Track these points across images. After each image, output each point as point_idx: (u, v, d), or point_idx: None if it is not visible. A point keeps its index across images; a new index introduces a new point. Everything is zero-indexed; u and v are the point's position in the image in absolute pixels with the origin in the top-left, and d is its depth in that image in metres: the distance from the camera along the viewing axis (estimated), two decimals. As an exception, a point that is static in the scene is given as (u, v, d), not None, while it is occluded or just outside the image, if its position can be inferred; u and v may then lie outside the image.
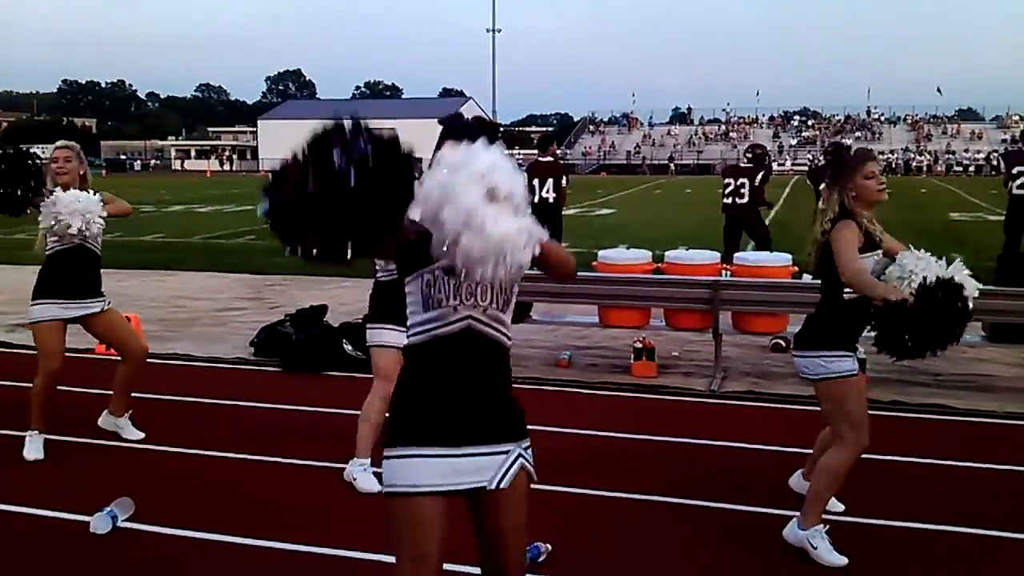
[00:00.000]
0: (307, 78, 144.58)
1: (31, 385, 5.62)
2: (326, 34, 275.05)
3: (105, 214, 5.56)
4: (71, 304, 5.61)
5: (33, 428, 5.60)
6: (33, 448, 5.56)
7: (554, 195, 10.33)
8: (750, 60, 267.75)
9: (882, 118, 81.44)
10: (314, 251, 2.29)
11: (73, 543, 4.39)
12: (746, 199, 11.47)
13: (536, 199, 9.90)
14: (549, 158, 10.62)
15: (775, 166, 14.58)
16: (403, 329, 4.88)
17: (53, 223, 5.42)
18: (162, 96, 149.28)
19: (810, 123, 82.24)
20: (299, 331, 8.15)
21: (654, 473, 5.37)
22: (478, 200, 2.34)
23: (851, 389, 4.22)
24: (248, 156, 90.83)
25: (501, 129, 2.45)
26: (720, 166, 68.56)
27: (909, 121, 79.93)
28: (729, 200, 11.63)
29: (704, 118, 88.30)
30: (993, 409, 6.68)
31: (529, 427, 2.82)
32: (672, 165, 69.28)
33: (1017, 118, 69.75)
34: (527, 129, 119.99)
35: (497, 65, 78.83)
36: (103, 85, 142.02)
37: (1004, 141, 60.76)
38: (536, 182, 11.05)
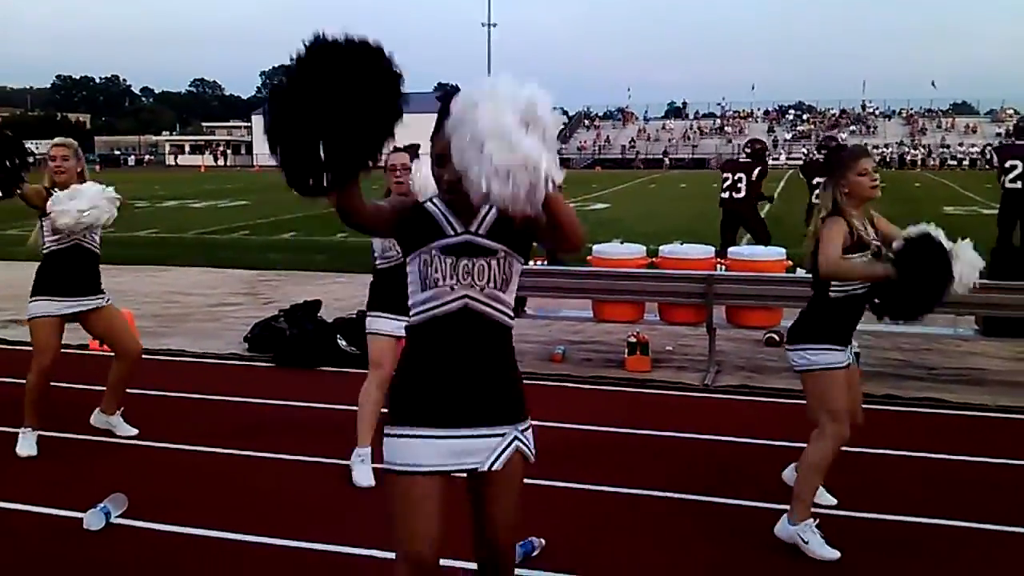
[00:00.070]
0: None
1: (24, 383, 5.62)
2: (321, 28, 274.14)
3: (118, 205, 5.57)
4: (69, 301, 5.60)
5: (26, 425, 5.59)
6: (26, 445, 5.55)
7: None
8: (745, 54, 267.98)
9: (877, 112, 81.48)
10: (310, 170, 2.44)
11: (66, 539, 4.39)
12: (743, 194, 11.48)
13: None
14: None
15: (769, 160, 14.58)
16: (398, 317, 4.99)
17: (85, 211, 5.37)
18: (156, 91, 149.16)
19: (805, 117, 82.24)
20: (293, 326, 8.15)
21: (648, 467, 5.38)
22: (511, 117, 2.34)
23: (834, 382, 4.27)
24: (243, 151, 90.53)
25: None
26: (715, 161, 68.71)
27: (904, 115, 79.98)
28: (726, 195, 11.65)
29: (699, 112, 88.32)
30: (986, 403, 6.70)
31: (523, 422, 2.82)
32: (666, 159, 69.28)
33: (1012, 112, 69.72)
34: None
35: (492, 60, 78.59)
36: (97, 80, 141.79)
37: (998, 135, 60.87)
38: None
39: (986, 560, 4.23)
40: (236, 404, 6.79)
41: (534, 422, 2.91)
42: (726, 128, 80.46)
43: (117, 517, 4.52)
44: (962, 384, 7.27)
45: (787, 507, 4.39)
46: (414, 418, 2.72)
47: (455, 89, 2.54)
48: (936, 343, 8.47)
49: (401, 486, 2.73)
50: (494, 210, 2.70)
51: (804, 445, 4.77)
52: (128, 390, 6.03)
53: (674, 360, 8.07)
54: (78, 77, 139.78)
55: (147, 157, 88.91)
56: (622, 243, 8.67)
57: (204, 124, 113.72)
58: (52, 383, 5.71)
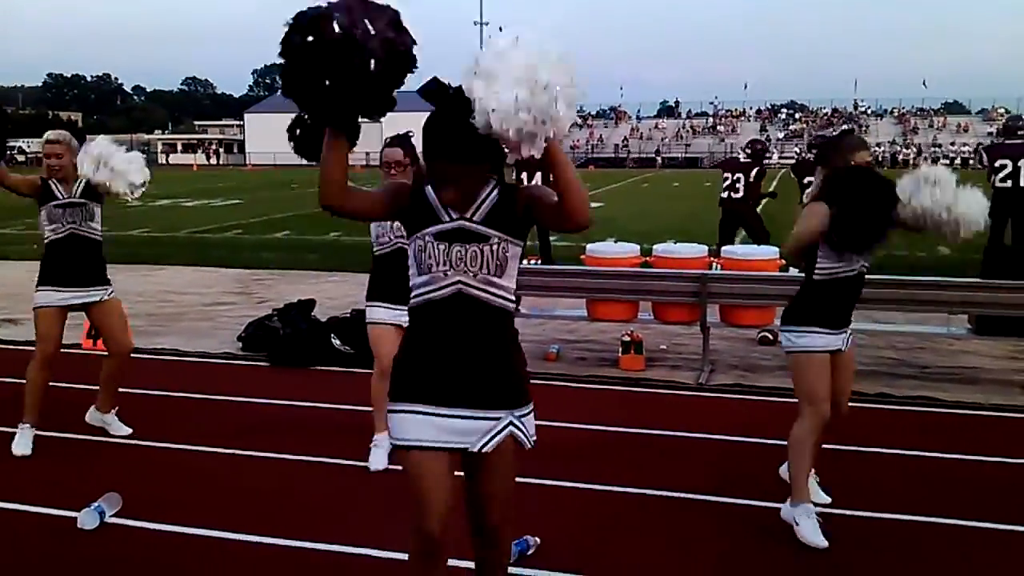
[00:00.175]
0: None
1: (20, 381, 5.60)
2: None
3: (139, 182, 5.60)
4: (70, 292, 5.60)
5: (25, 420, 5.57)
6: (22, 442, 5.52)
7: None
8: (738, 53, 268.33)
9: (869, 111, 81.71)
10: (322, 102, 2.47)
11: (61, 539, 4.38)
12: (741, 194, 11.52)
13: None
14: (536, 152, 10.62)
15: (764, 160, 14.64)
16: (395, 306, 5.02)
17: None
18: (148, 89, 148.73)
19: (797, 116, 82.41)
20: (287, 326, 8.13)
21: (642, 466, 5.39)
22: (534, 61, 2.43)
23: (812, 364, 4.37)
24: (235, 150, 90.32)
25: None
26: (708, 160, 68.75)
27: (896, 114, 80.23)
28: (725, 195, 11.70)
29: (692, 111, 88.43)
30: (979, 401, 6.72)
31: (518, 421, 2.83)
32: (659, 158, 69.32)
33: (1003, 111, 69.95)
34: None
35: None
36: (88, 78, 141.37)
37: (990, 134, 61.03)
38: (524, 175, 11.06)
39: (979, 558, 4.24)
40: (230, 404, 6.78)
41: (529, 420, 2.92)
42: (719, 127, 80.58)
43: (111, 516, 4.52)
44: (955, 383, 7.29)
45: (780, 505, 4.48)
46: (409, 395, 2.78)
47: (434, 83, 2.58)
48: (929, 342, 8.49)
49: (406, 461, 2.81)
50: (491, 197, 2.72)
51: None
52: (122, 389, 6.02)
53: (668, 359, 8.08)
54: (69, 75, 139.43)
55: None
56: (616, 242, 8.68)
57: (196, 123, 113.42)
58: (50, 383, 5.68)
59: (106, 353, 5.91)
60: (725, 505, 4.81)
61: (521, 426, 2.82)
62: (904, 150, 68.15)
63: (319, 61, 2.39)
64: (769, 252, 8.03)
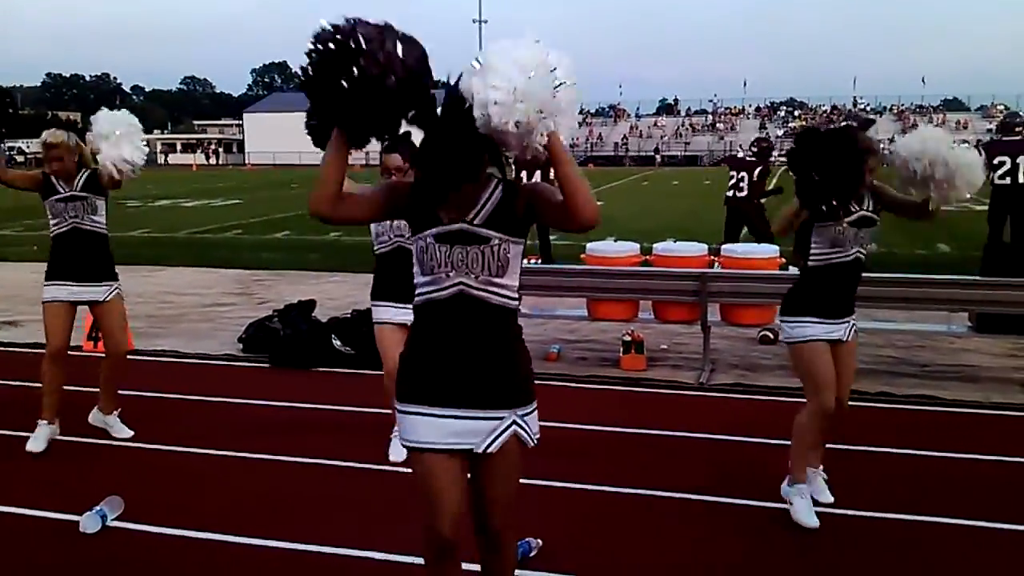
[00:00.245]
0: (293, 70, 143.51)
1: (19, 384, 5.60)
2: (311, 25, 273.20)
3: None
4: (75, 287, 5.62)
5: (41, 417, 5.62)
6: (35, 440, 5.58)
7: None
8: (737, 51, 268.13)
9: (868, 108, 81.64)
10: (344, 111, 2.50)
11: (63, 542, 4.38)
12: (745, 192, 11.53)
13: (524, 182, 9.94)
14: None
15: (748, 158, 14.71)
16: (399, 305, 5.02)
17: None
18: (147, 89, 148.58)
19: (796, 113, 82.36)
20: (287, 327, 8.13)
21: (643, 466, 5.39)
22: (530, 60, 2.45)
23: (812, 354, 4.43)
24: (234, 149, 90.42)
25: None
26: (707, 158, 68.63)
27: (895, 111, 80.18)
28: (731, 193, 11.73)
29: (691, 109, 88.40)
30: (979, 399, 6.72)
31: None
32: (658, 156, 69.25)
33: (1002, 108, 69.91)
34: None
35: (484, 57, 78.39)
36: (87, 78, 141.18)
37: (989, 131, 60.99)
38: (524, 174, 11.05)
39: (979, 557, 4.24)
40: (231, 405, 6.78)
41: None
42: (718, 125, 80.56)
43: (113, 520, 4.52)
44: (955, 381, 7.30)
45: (783, 505, 4.54)
46: (414, 396, 2.80)
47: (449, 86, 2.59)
48: (929, 340, 8.49)
49: (416, 462, 2.83)
50: (493, 198, 2.72)
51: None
52: (122, 392, 6.03)
53: (669, 358, 8.08)
54: (68, 75, 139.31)
55: (141, 153, 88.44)
56: (616, 241, 8.68)
57: (196, 122, 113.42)
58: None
59: (104, 354, 5.91)
60: (726, 505, 4.81)
61: (525, 425, 2.82)
62: (904, 147, 68.03)
63: (343, 60, 2.42)
64: (769, 251, 8.03)
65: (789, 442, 4.75)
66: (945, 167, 4.27)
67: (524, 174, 10.86)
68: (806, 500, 4.48)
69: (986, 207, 11.77)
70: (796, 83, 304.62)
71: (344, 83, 2.42)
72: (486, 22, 77.73)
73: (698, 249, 8.20)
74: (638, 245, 8.39)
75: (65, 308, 5.64)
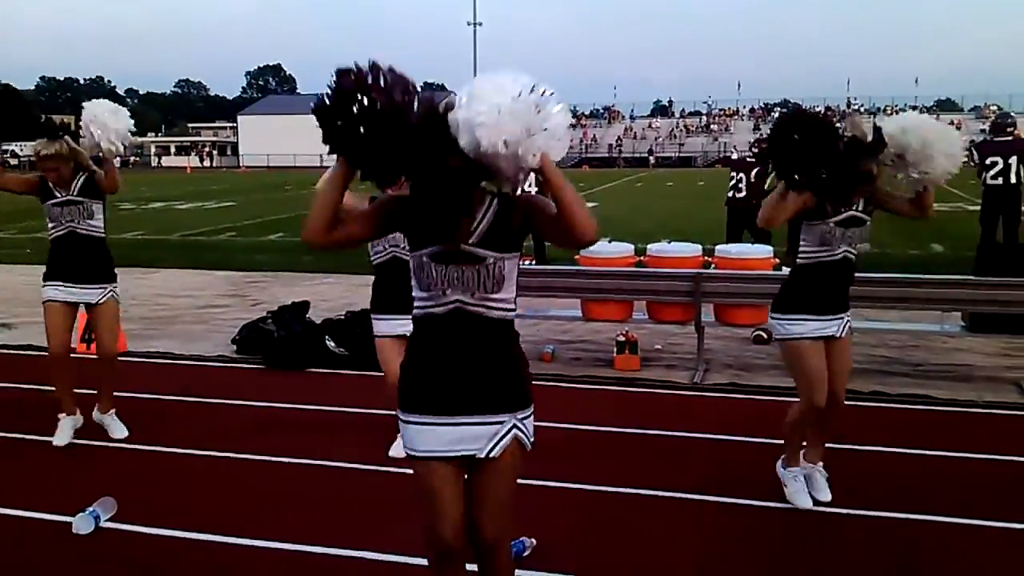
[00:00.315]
0: (287, 72, 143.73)
1: (14, 386, 5.60)
2: (306, 28, 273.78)
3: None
4: (71, 288, 5.66)
5: (61, 412, 5.73)
6: (61, 434, 5.72)
7: (536, 190, 10.31)
8: (731, 53, 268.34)
9: (862, 109, 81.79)
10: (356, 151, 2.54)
11: (56, 543, 4.37)
12: (744, 193, 11.56)
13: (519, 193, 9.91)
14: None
15: (748, 159, 14.79)
16: (395, 317, 5.03)
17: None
18: (141, 92, 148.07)
19: (783, 112, 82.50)
20: (281, 328, 8.13)
21: (637, 466, 5.39)
22: (515, 92, 2.47)
23: (802, 352, 4.48)
24: (228, 152, 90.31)
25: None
26: (701, 159, 68.57)
27: (888, 112, 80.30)
28: (731, 194, 11.76)
29: (685, 111, 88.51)
30: (972, 399, 6.74)
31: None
32: (651, 158, 69.33)
33: (995, 108, 70.05)
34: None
35: (478, 59, 78.66)
36: (81, 81, 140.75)
37: (983, 131, 61.07)
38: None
39: (973, 556, 4.25)
40: (225, 407, 6.77)
41: (526, 421, 2.92)
42: (712, 126, 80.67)
43: (106, 521, 4.51)
44: (949, 380, 7.31)
45: (777, 504, 4.61)
46: (415, 406, 2.82)
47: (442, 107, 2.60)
48: (923, 339, 8.52)
49: (417, 470, 2.85)
50: (488, 216, 2.73)
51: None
52: (116, 393, 6.01)
53: (663, 359, 8.09)
54: (62, 78, 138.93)
55: (132, 158, 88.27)
56: (610, 242, 8.68)
57: (190, 125, 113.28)
58: (41, 387, 5.68)
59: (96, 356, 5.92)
60: (721, 504, 4.81)
61: (524, 428, 2.85)
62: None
63: (362, 92, 2.46)
64: (763, 251, 8.05)
65: (783, 441, 4.81)
66: (921, 141, 4.26)
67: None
68: (800, 483, 4.64)
69: (979, 207, 11.81)
70: (790, 85, 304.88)
71: (359, 112, 2.45)
72: (481, 24, 78.03)
73: (692, 250, 8.21)
74: (632, 246, 8.40)
75: (63, 308, 5.68)
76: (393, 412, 5.27)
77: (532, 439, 2.89)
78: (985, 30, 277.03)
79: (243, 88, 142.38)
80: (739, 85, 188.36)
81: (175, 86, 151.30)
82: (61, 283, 5.64)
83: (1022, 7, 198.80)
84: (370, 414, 6.28)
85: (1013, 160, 11.16)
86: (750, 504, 4.78)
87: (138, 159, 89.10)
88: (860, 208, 4.47)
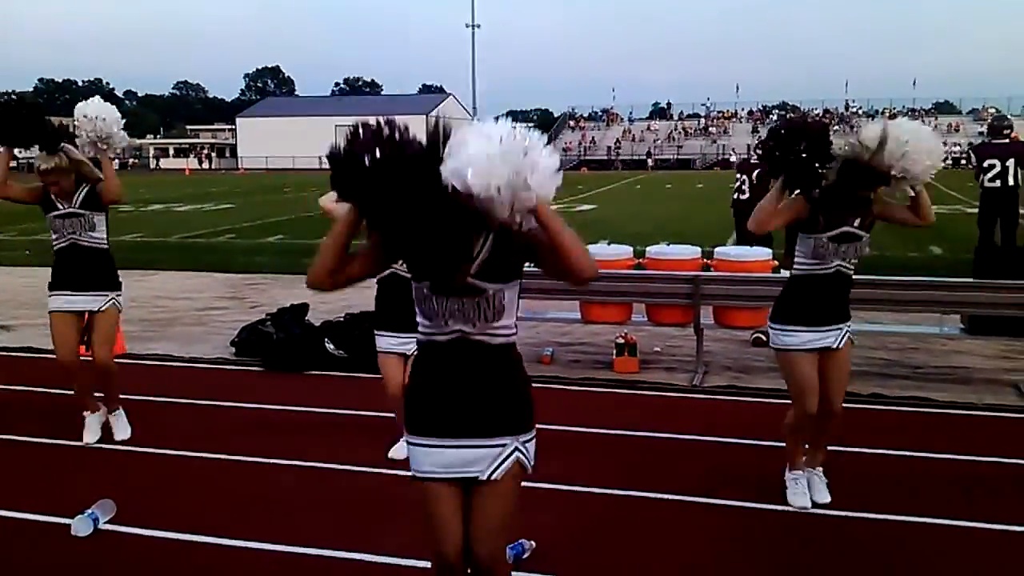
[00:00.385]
0: (286, 75, 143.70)
1: (10, 388, 5.59)
2: (304, 30, 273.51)
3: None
4: (74, 296, 5.67)
5: (85, 411, 5.83)
6: (89, 431, 5.84)
7: None
8: (730, 55, 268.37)
9: (860, 111, 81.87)
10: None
11: (54, 545, 4.36)
12: (747, 195, 11.56)
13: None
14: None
15: (752, 161, 14.83)
16: (396, 334, 5.08)
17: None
18: (140, 94, 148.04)
19: (788, 117, 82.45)
20: (280, 330, 8.12)
21: (637, 468, 5.39)
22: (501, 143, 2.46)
23: (794, 362, 4.55)
24: (227, 154, 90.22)
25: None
26: (700, 161, 68.50)
27: (887, 114, 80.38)
28: (735, 196, 11.77)
29: (683, 113, 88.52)
30: (972, 401, 6.74)
31: (513, 424, 2.84)
32: (650, 160, 69.35)
33: (994, 110, 70.15)
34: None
35: (477, 61, 78.73)
36: (80, 83, 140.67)
37: (981, 134, 61.20)
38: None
39: (972, 558, 4.26)
40: (224, 409, 6.77)
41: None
42: (710, 129, 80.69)
43: (105, 523, 4.51)
44: (948, 382, 7.31)
45: (776, 506, 4.64)
46: (419, 429, 2.85)
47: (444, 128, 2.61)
48: (922, 342, 8.52)
49: (421, 491, 2.88)
50: (486, 248, 2.72)
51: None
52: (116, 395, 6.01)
53: (662, 361, 8.09)
54: (60, 80, 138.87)
55: (131, 160, 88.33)
56: (609, 244, 8.69)
57: (188, 127, 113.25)
58: (38, 388, 5.68)
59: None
60: (720, 507, 4.82)
61: (526, 451, 2.87)
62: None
63: (370, 146, 2.49)
64: (762, 254, 8.05)
65: (782, 444, 4.84)
66: (895, 140, 4.25)
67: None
68: (800, 484, 4.71)
69: (977, 210, 11.82)
70: (788, 87, 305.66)
71: (372, 165, 2.47)
72: (479, 27, 78.00)
73: (691, 252, 8.21)
74: (631, 248, 8.40)
75: (69, 317, 5.71)
76: (391, 414, 5.33)
77: (533, 463, 2.90)
78: (984, 31, 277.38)
79: (242, 90, 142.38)
80: (737, 87, 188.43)
81: (174, 88, 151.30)
82: (65, 292, 5.67)
83: (1021, 8, 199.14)
84: (369, 416, 6.28)
85: (1011, 162, 11.15)
86: (749, 506, 4.78)
87: (136, 161, 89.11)
88: (856, 224, 4.45)
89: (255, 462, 5.52)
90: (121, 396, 6.08)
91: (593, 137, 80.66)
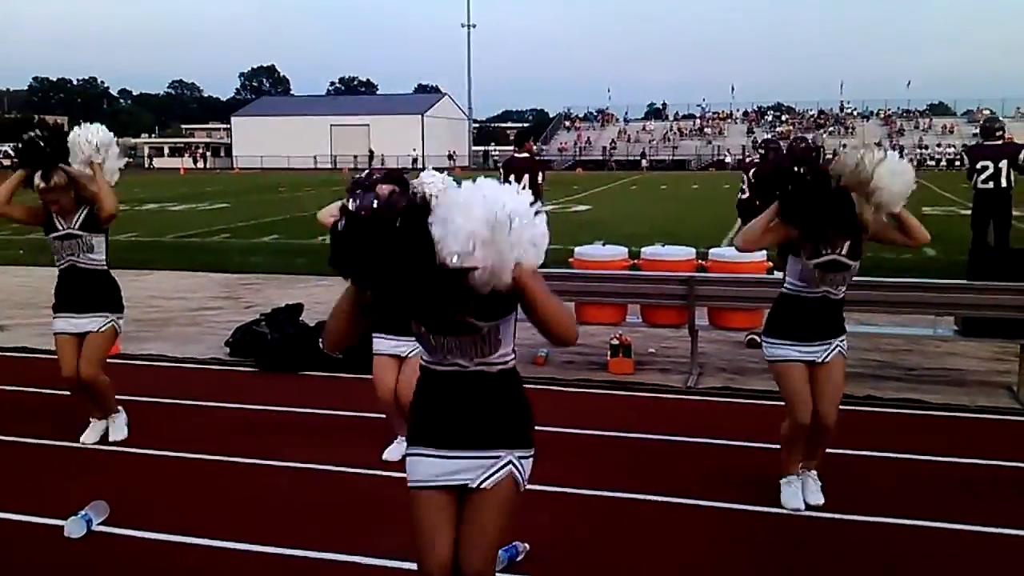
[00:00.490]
0: (281, 74, 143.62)
1: (7, 388, 5.58)
2: (300, 29, 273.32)
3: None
4: (74, 318, 5.69)
5: (91, 417, 5.86)
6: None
7: (530, 191, 10.32)
8: (725, 56, 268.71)
9: (855, 112, 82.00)
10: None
11: (47, 547, 4.35)
12: (747, 195, 11.61)
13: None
14: (525, 154, 10.60)
15: (748, 160, 14.90)
16: (391, 337, 5.10)
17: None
18: (135, 93, 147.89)
19: (784, 118, 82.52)
20: (274, 331, 8.12)
21: (631, 470, 5.39)
22: (484, 213, 2.45)
23: (783, 373, 4.63)
24: (222, 153, 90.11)
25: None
26: (695, 162, 68.59)
27: (882, 116, 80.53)
28: (740, 196, 11.82)
29: (679, 114, 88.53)
30: (965, 403, 6.76)
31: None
32: (644, 161, 69.36)
33: (988, 112, 70.34)
34: (503, 125, 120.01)
35: (472, 61, 78.69)
36: (74, 82, 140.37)
37: (975, 135, 61.37)
38: (512, 178, 11.06)
39: (966, 560, 4.27)
40: (218, 409, 6.76)
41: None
42: (706, 129, 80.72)
43: (99, 525, 4.50)
44: (942, 384, 7.33)
45: (770, 508, 4.67)
46: (419, 439, 2.88)
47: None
48: (916, 344, 8.54)
49: (412, 500, 2.89)
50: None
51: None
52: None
53: (657, 362, 8.09)
54: (55, 79, 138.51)
55: (125, 160, 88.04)
56: (604, 245, 8.69)
57: (183, 126, 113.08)
58: (31, 388, 5.67)
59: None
60: (715, 508, 4.82)
61: (519, 466, 2.86)
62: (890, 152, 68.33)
63: (372, 225, 2.43)
64: (756, 255, 8.05)
65: (776, 445, 4.85)
66: (865, 174, 4.25)
67: (512, 178, 10.85)
68: (793, 487, 4.76)
69: (970, 211, 11.84)
70: (784, 88, 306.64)
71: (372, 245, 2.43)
72: (475, 26, 77.88)
73: (686, 253, 8.22)
74: (626, 249, 8.41)
75: (70, 339, 5.72)
76: (384, 416, 5.33)
77: (526, 481, 2.90)
78: (979, 33, 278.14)
79: (237, 89, 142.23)
80: (732, 88, 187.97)
81: (169, 87, 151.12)
82: (67, 315, 5.70)
83: (1017, 10, 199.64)
84: (363, 417, 6.27)
85: (1003, 164, 11.19)
86: (743, 508, 4.79)
87: (131, 160, 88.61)
88: (844, 252, 4.43)
89: (249, 463, 5.51)
90: (115, 396, 6.07)
91: (588, 137, 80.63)
